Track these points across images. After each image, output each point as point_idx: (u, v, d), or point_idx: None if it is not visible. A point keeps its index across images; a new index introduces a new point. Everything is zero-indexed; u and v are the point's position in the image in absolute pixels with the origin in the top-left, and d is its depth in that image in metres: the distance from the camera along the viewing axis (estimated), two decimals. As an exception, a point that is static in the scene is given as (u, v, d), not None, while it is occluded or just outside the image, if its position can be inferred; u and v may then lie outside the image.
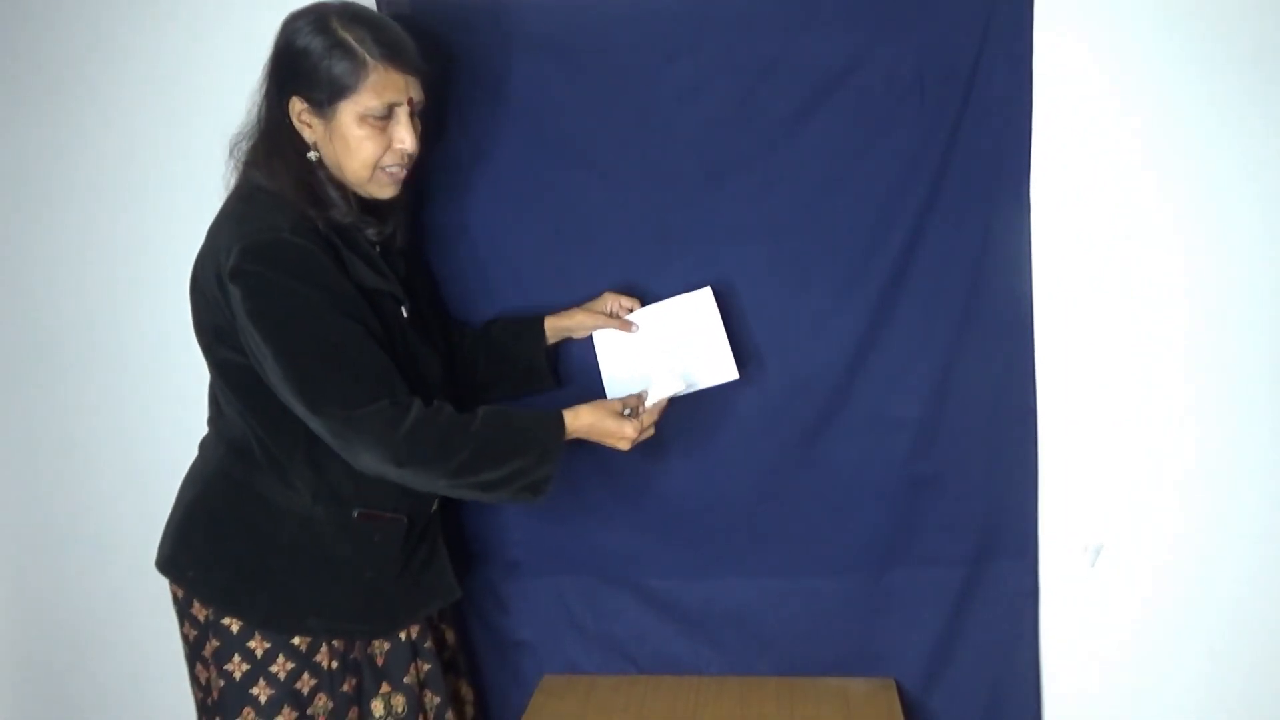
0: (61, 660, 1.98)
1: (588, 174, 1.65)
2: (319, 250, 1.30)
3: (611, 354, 1.63)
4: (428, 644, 1.53)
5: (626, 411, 1.44)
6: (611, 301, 1.63)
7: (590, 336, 1.64)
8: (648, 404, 1.46)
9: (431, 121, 1.45)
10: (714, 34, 1.59)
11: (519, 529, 1.79)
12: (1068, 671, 1.74)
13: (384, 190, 1.38)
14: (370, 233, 1.40)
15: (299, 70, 1.31)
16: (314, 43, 1.30)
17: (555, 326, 1.63)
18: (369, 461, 1.31)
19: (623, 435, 1.41)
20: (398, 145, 1.34)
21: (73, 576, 1.94)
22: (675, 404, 1.63)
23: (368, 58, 1.29)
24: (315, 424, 1.31)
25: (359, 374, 1.31)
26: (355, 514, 1.41)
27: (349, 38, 1.29)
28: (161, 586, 1.49)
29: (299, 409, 1.31)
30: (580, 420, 1.41)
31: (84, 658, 1.97)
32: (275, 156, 1.34)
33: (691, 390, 1.54)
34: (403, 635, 1.49)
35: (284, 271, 1.28)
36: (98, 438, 1.88)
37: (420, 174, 1.51)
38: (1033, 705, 1.74)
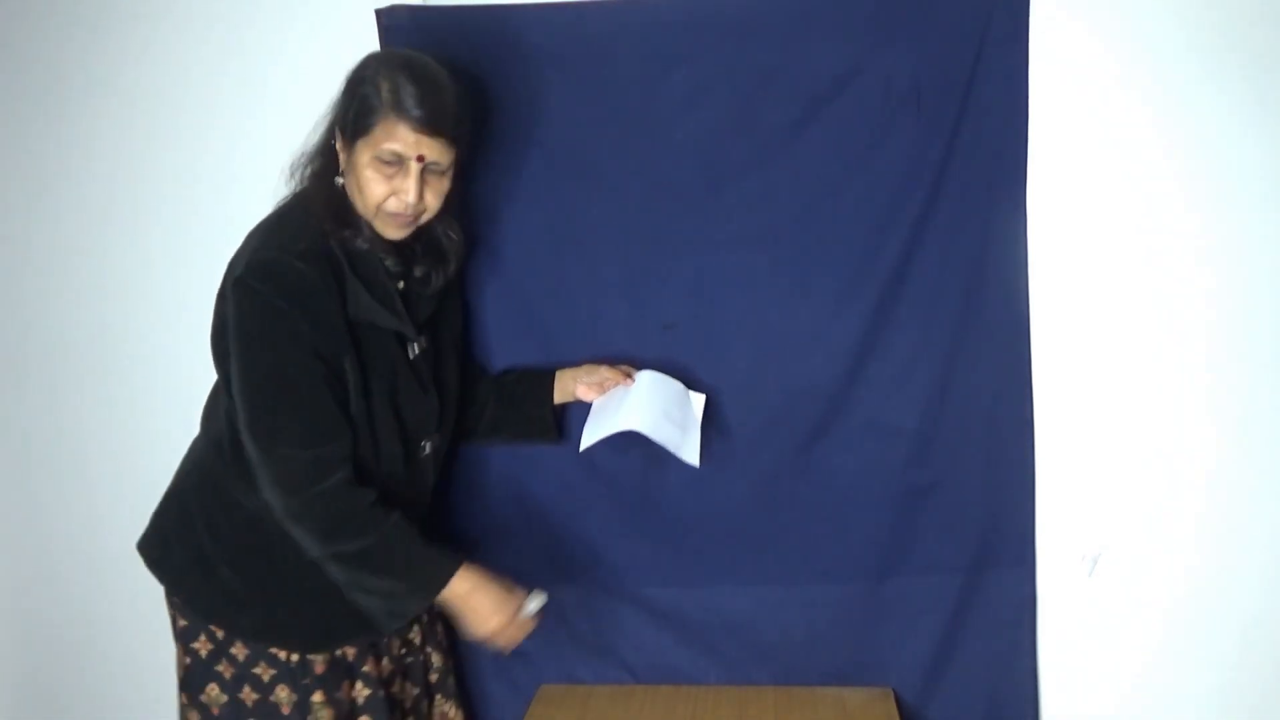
0: (61, 665, 1.98)
1: (587, 182, 1.66)
2: (321, 278, 1.34)
3: (600, 407, 1.62)
4: (366, 667, 1.51)
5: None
6: (619, 366, 1.66)
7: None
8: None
9: (460, 184, 1.47)
10: (712, 44, 1.60)
11: (517, 538, 1.78)
12: (1066, 680, 1.74)
13: (390, 231, 1.40)
14: (389, 263, 1.44)
15: (342, 100, 1.38)
16: (356, 78, 1.38)
17: (563, 384, 1.66)
18: (270, 498, 1.36)
19: (495, 614, 1.43)
20: (399, 195, 1.37)
21: (73, 583, 1.94)
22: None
23: (380, 105, 1.34)
24: (246, 442, 1.35)
25: (301, 417, 1.34)
26: None
27: (379, 83, 1.35)
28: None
29: (239, 424, 1.36)
30: (468, 580, 1.42)
31: (83, 663, 1.97)
32: (316, 175, 1.42)
33: (655, 440, 1.55)
34: (339, 653, 1.48)
35: (278, 293, 1.31)
36: (99, 445, 1.88)
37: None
38: (1031, 714, 1.74)
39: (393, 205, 1.37)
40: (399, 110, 1.33)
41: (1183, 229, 1.61)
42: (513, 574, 1.77)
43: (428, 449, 1.52)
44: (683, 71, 1.61)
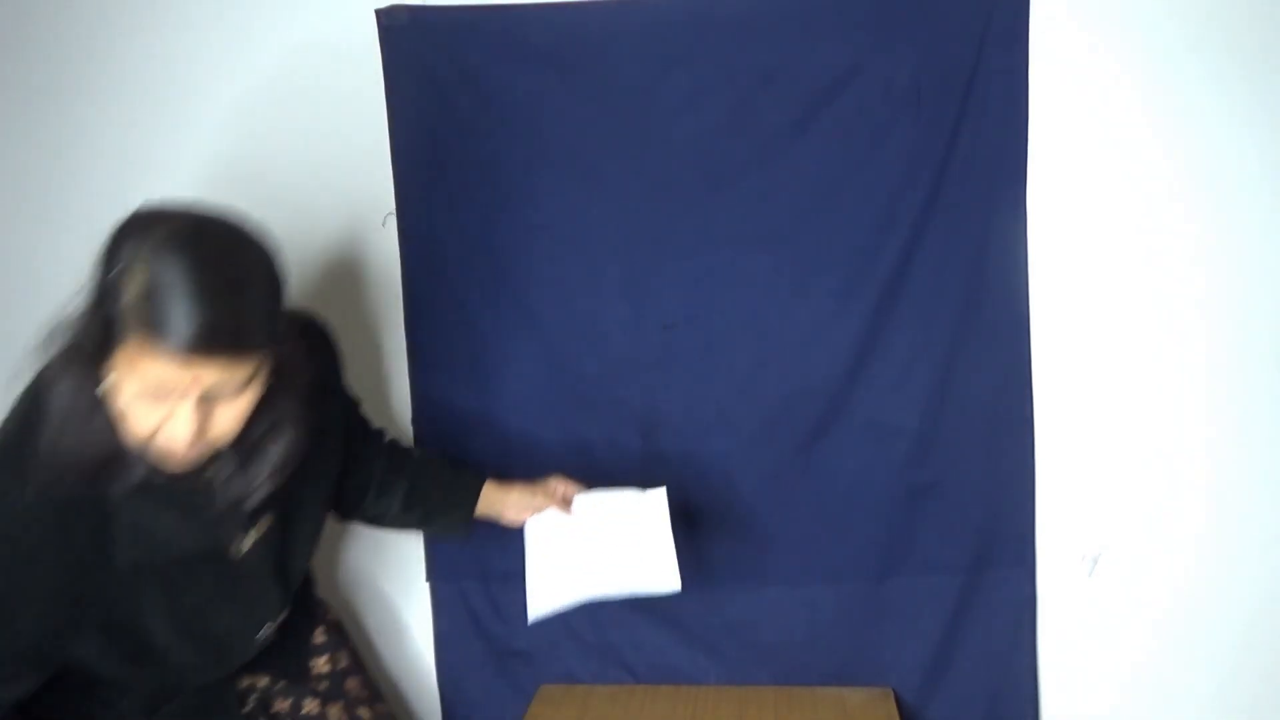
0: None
1: (587, 182, 1.66)
2: (59, 535, 1.03)
3: (541, 540, 1.49)
4: None
5: None
6: (557, 484, 1.50)
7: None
8: None
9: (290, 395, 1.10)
10: (712, 43, 1.60)
11: (515, 538, 1.78)
12: (1066, 680, 1.74)
13: (174, 465, 1.03)
14: (193, 476, 1.08)
15: (94, 282, 0.98)
16: (107, 258, 0.97)
17: (489, 502, 1.51)
18: None
19: None
20: (169, 430, 0.98)
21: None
22: (673, 415, 1.63)
23: (128, 317, 0.93)
24: None
25: None
26: None
27: (131, 277, 0.93)
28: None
29: None
30: None
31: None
32: (73, 386, 0.99)
33: (624, 595, 1.45)
34: None
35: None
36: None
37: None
38: (1030, 713, 1.74)
39: (163, 441, 0.99)
40: (154, 330, 0.91)
41: (1183, 229, 1.61)
42: (514, 574, 1.79)
43: (267, 630, 1.26)
44: (683, 71, 1.61)
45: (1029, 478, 1.68)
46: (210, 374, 0.95)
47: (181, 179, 1.74)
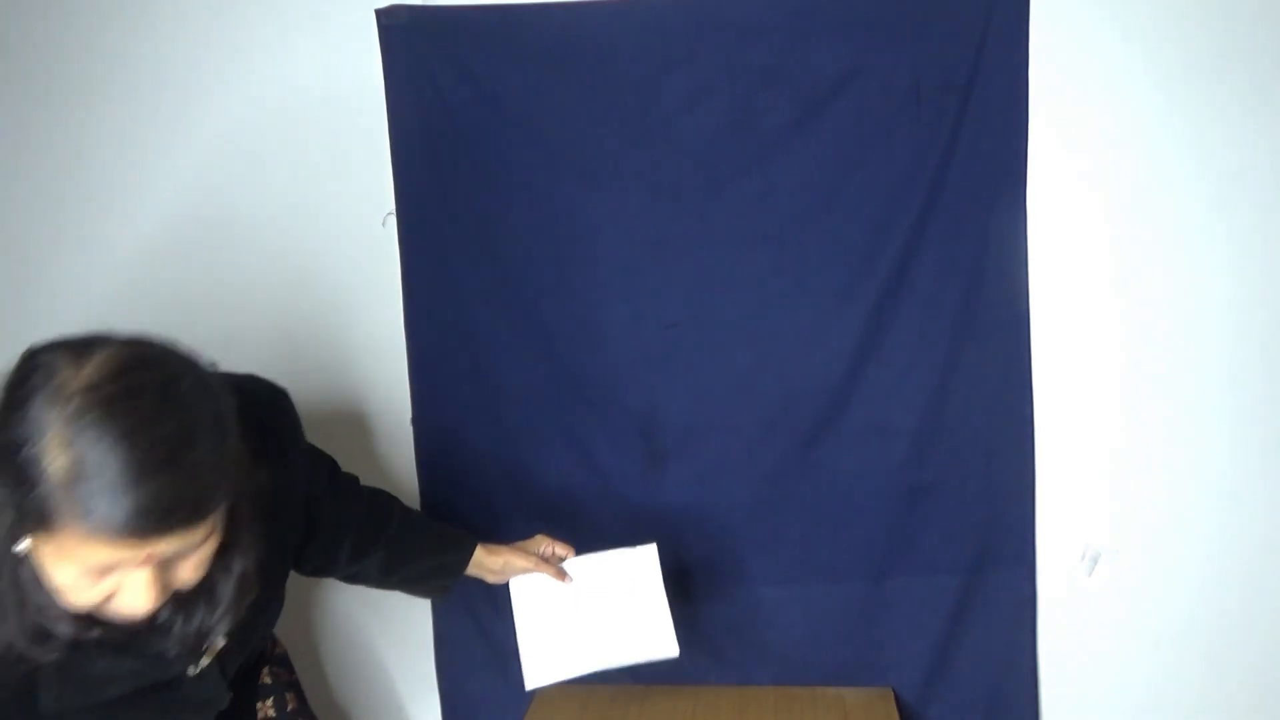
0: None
1: (586, 182, 1.66)
2: None
3: (529, 602, 1.49)
4: None
5: None
6: (545, 544, 1.50)
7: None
8: None
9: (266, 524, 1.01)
10: (713, 44, 1.60)
11: (515, 537, 1.78)
12: (1066, 679, 1.74)
13: (129, 623, 0.91)
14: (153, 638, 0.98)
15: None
16: (14, 426, 0.81)
17: (478, 563, 1.47)
18: None
19: None
20: (122, 604, 0.88)
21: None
22: (673, 415, 1.61)
23: (57, 504, 0.79)
24: None
25: None
26: None
27: (51, 458, 0.79)
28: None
29: None
30: None
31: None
32: None
33: (623, 665, 1.46)
34: None
35: None
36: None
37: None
38: (1030, 713, 1.74)
39: (117, 609, 0.89)
40: (93, 519, 0.79)
41: (1182, 228, 1.61)
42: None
43: None
44: (683, 71, 1.62)
45: (1029, 477, 1.69)
46: (167, 546, 0.85)
47: (182, 178, 1.75)
